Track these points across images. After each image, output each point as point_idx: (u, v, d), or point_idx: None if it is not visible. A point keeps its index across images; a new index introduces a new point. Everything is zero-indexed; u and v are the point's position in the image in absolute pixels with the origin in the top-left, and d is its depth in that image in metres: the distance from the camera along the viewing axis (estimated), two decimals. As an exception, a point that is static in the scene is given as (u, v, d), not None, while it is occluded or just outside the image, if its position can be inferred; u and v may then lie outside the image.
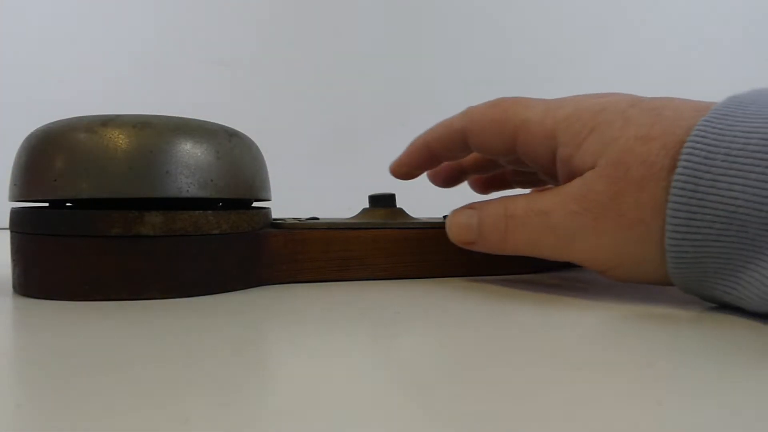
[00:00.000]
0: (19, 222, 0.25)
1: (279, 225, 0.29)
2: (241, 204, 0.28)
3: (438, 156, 0.31)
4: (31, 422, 0.12)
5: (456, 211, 0.28)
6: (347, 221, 0.30)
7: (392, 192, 0.33)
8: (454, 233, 0.28)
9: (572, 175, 0.25)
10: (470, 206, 0.28)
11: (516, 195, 0.26)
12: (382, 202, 0.32)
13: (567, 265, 0.33)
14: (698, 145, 0.21)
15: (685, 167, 0.21)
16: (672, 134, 0.22)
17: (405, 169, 0.32)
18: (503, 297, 0.26)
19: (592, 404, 0.14)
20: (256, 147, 0.28)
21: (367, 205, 0.33)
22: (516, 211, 0.26)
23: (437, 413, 0.13)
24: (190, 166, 0.24)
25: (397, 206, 0.33)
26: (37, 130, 0.25)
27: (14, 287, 0.26)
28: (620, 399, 0.14)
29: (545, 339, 0.20)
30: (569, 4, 0.75)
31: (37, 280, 0.24)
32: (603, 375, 0.16)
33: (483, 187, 0.38)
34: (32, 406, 0.13)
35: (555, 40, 0.74)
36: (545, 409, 0.13)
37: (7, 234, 0.26)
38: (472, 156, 0.34)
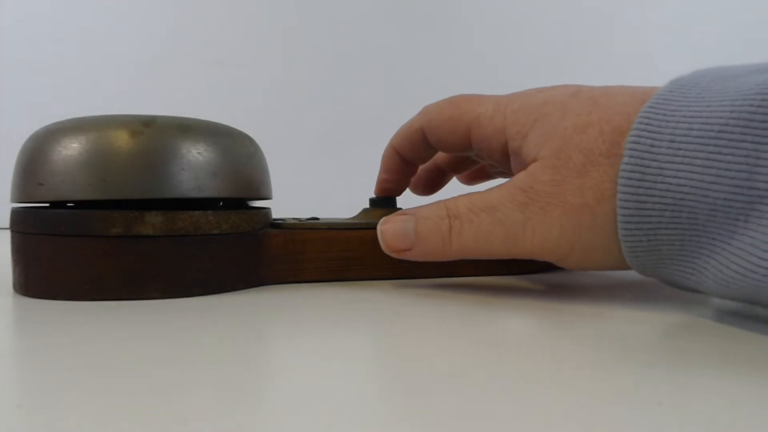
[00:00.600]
0: (20, 222, 0.25)
1: (279, 225, 0.29)
2: (242, 203, 0.28)
3: (408, 159, 0.31)
4: (31, 422, 0.12)
5: (388, 218, 0.27)
6: (347, 221, 0.30)
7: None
8: (387, 241, 0.26)
9: (523, 168, 0.25)
10: (403, 212, 0.27)
11: (455, 196, 0.26)
12: (382, 203, 0.32)
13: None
14: (643, 133, 0.21)
15: (631, 156, 0.21)
16: (608, 121, 0.22)
17: (387, 185, 0.32)
18: (503, 297, 0.26)
19: (592, 404, 0.14)
20: (257, 146, 0.29)
21: (367, 206, 0.33)
22: (459, 211, 0.25)
23: (437, 413, 0.13)
24: (191, 166, 0.24)
25: (397, 206, 0.33)
26: (37, 132, 0.25)
27: (14, 287, 0.26)
28: (620, 399, 0.14)
29: (545, 339, 0.20)
30: (571, 4, 0.75)
31: (37, 280, 0.24)
32: (603, 375, 0.16)
33: (468, 179, 0.38)
34: (32, 406, 0.13)
35: (556, 41, 0.74)
36: (545, 409, 0.13)
37: (7, 234, 0.26)
38: (447, 156, 0.34)
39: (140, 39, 0.70)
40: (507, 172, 0.33)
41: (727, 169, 0.19)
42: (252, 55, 0.72)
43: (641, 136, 0.21)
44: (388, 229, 0.27)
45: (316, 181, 0.68)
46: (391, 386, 0.15)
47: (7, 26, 0.68)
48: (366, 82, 0.73)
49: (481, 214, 0.24)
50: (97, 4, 0.69)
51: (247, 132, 0.28)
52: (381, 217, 0.31)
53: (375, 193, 0.33)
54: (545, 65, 0.72)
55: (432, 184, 0.36)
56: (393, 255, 0.27)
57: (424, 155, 0.31)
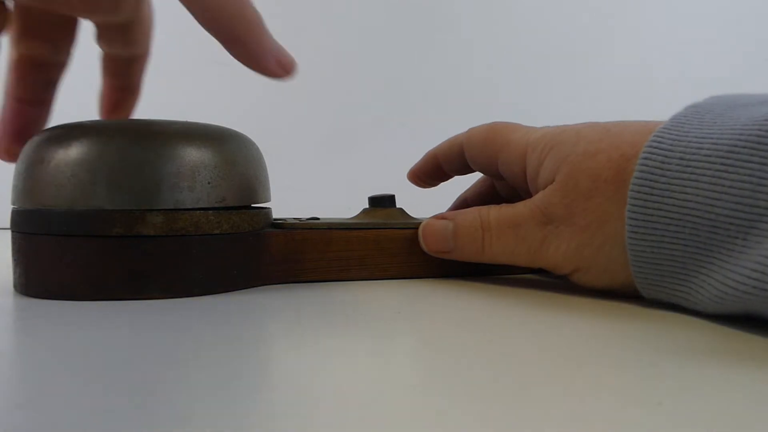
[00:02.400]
0: (21, 222, 0.25)
1: (279, 225, 0.29)
2: (242, 205, 0.28)
3: (443, 167, 0.34)
4: (31, 422, 0.12)
5: (429, 222, 0.30)
6: (347, 221, 0.30)
7: (392, 193, 0.33)
8: (429, 243, 0.29)
9: (538, 191, 0.27)
10: (442, 216, 0.30)
11: (489, 206, 0.28)
12: (382, 202, 0.32)
13: None
14: (655, 150, 0.22)
15: (642, 170, 0.22)
16: (616, 148, 0.24)
17: (417, 177, 0.36)
18: (503, 296, 0.26)
19: (593, 404, 0.14)
20: (257, 148, 0.29)
21: (367, 206, 0.33)
22: (490, 224, 0.28)
23: (437, 413, 0.13)
24: (190, 169, 0.24)
25: (397, 206, 0.33)
26: (37, 137, 0.25)
27: (15, 287, 0.26)
28: (620, 399, 0.14)
29: (545, 338, 0.20)
30: (570, 6, 0.75)
31: (38, 280, 0.24)
32: (603, 375, 0.16)
33: None
34: (32, 406, 0.13)
35: (555, 43, 0.74)
36: (545, 408, 0.13)
37: (8, 234, 0.26)
38: (477, 197, 0.37)
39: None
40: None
41: (731, 187, 0.19)
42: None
43: (653, 153, 0.22)
44: (429, 231, 0.29)
45: (317, 181, 0.68)
46: (392, 386, 0.15)
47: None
48: (366, 83, 0.73)
49: (508, 230, 0.27)
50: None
51: (247, 132, 0.28)
52: (381, 218, 0.31)
53: (407, 177, 0.36)
54: (546, 67, 0.72)
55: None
56: (433, 254, 0.30)
57: (458, 168, 0.34)
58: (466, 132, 0.32)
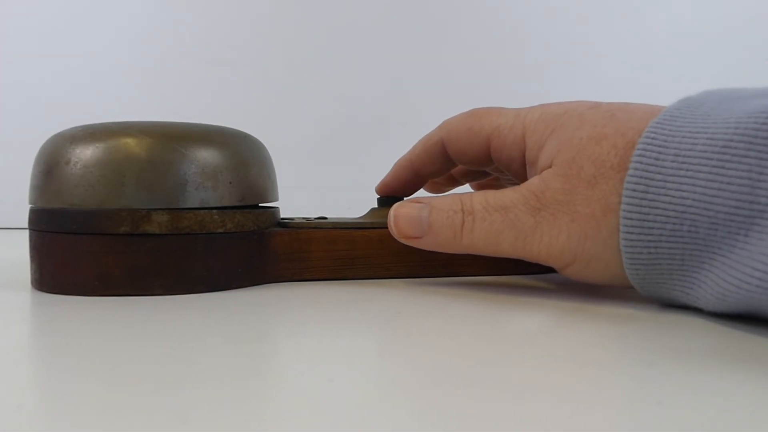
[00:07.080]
0: (36, 220, 0.26)
1: (285, 224, 0.29)
2: (250, 205, 0.28)
3: (421, 173, 0.31)
4: (31, 422, 0.13)
5: (402, 203, 0.27)
6: (353, 221, 0.30)
7: None
8: (400, 226, 0.27)
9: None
10: (418, 200, 0.27)
11: (471, 192, 0.26)
12: (390, 202, 0.32)
13: None
14: (649, 147, 0.21)
15: (636, 168, 0.21)
16: (622, 135, 0.23)
17: (389, 190, 0.32)
18: (506, 297, 0.26)
19: (593, 404, 0.14)
20: (265, 149, 0.29)
21: (375, 205, 0.33)
22: (474, 207, 0.25)
23: (438, 413, 0.13)
24: (199, 170, 0.25)
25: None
26: (53, 137, 0.26)
27: (32, 283, 0.27)
28: (620, 399, 0.14)
29: (546, 339, 0.20)
30: (570, 5, 0.75)
31: (50, 276, 0.25)
32: (603, 375, 0.16)
33: (480, 188, 0.38)
34: (32, 406, 0.14)
35: (556, 41, 0.74)
36: (546, 409, 0.13)
37: (26, 234, 0.27)
38: (461, 168, 0.34)
39: (141, 39, 0.70)
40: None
41: (729, 183, 0.19)
42: (254, 55, 0.72)
43: (647, 149, 0.21)
44: (401, 213, 0.27)
45: (322, 181, 0.69)
46: (394, 386, 0.15)
47: (8, 27, 0.68)
48: (369, 82, 0.73)
49: (494, 213, 0.25)
50: (98, 4, 0.69)
51: (253, 132, 0.29)
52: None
53: (375, 191, 0.33)
54: (547, 67, 0.72)
55: (442, 191, 0.37)
56: (402, 241, 0.27)
57: (441, 169, 0.31)
58: (441, 127, 0.29)
